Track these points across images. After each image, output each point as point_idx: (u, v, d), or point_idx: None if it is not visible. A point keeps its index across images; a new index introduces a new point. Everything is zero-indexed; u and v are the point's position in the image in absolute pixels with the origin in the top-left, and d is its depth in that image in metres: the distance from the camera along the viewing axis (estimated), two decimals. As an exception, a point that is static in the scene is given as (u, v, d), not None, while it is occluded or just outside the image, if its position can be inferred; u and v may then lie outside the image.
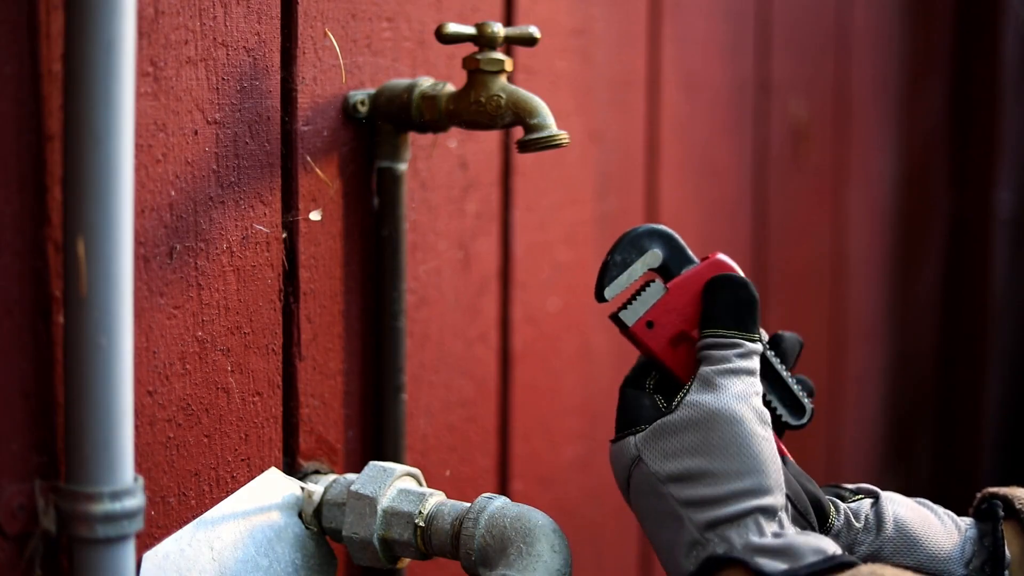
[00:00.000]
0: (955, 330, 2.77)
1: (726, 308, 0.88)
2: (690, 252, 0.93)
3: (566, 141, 0.95)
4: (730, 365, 0.86)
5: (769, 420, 0.85)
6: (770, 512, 0.81)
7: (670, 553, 0.82)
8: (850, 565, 0.77)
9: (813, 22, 2.14)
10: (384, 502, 0.90)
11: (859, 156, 2.33)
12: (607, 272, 0.91)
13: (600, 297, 0.91)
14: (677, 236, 0.92)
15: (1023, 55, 2.74)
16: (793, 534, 0.80)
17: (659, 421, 0.85)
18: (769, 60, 1.94)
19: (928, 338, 2.75)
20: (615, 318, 0.91)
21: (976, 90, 2.71)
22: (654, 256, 0.92)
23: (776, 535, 0.79)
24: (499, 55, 0.97)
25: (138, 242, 0.84)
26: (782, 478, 0.83)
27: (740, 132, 1.87)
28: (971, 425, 2.75)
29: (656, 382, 0.90)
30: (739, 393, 0.84)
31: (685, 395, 0.85)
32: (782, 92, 1.99)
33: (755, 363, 0.87)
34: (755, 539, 0.79)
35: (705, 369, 0.86)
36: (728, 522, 0.80)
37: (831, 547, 0.78)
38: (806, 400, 0.92)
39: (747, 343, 0.87)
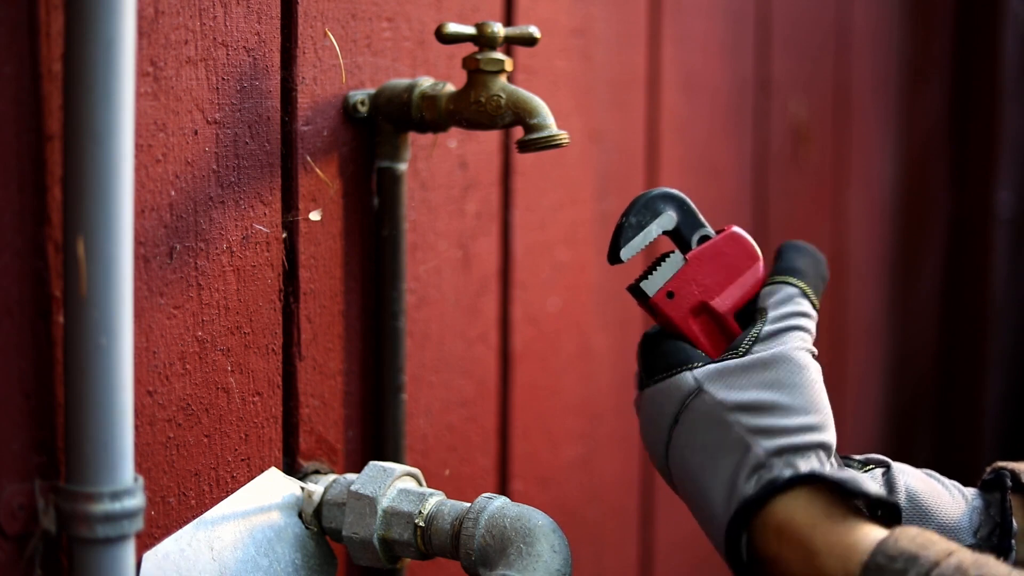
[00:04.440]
0: (955, 330, 2.78)
1: (809, 268, 0.91)
2: (702, 217, 0.93)
3: (566, 141, 0.95)
4: (799, 322, 0.88)
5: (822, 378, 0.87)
6: (829, 450, 0.83)
7: (726, 484, 0.82)
8: (899, 513, 0.80)
9: (813, 22, 2.14)
10: (384, 502, 0.90)
11: (859, 156, 2.33)
12: (622, 234, 0.91)
13: (615, 259, 0.91)
14: (689, 200, 0.93)
15: (1023, 55, 2.74)
16: (857, 468, 0.83)
17: (724, 362, 0.86)
18: (769, 60, 1.94)
19: (928, 338, 2.76)
20: (635, 289, 0.91)
21: (976, 90, 2.71)
22: (668, 219, 0.92)
23: (836, 468, 0.82)
24: (499, 55, 0.97)
25: (138, 242, 0.84)
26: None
27: (740, 132, 1.87)
28: (971, 425, 2.75)
29: None
30: (803, 346, 0.87)
31: (753, 343, 0.87)
32: (782, 92, 1.99)
33: (815, 328, 0.89)
34: (819, 468, 0.80)
35: (775, 319, 0.88)
36: (795, 451, 0.81)
37: (883, 490, 0.81)
38: None
39: (814, 309, 0.90)
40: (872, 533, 0.77)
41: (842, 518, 0.78)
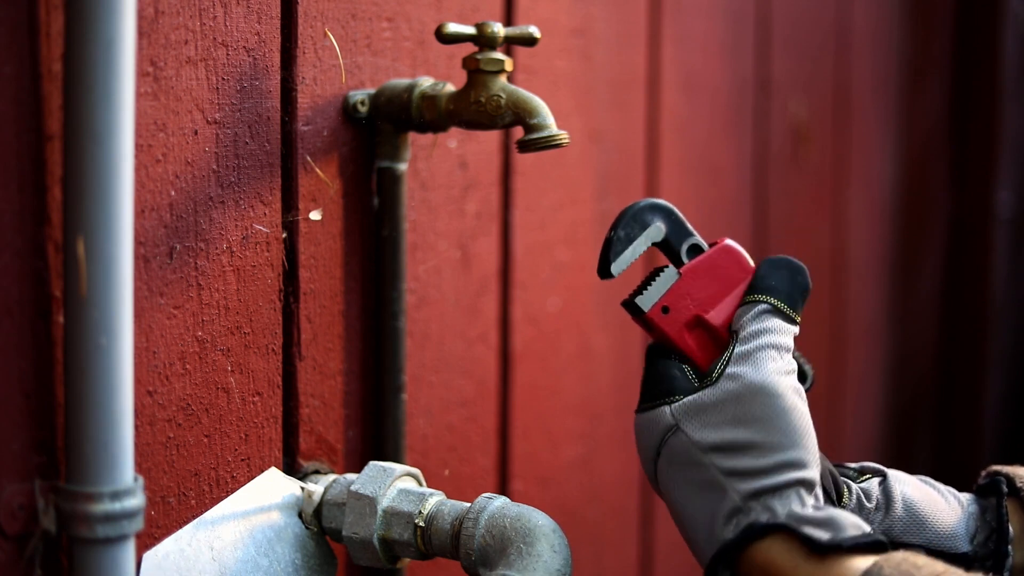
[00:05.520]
0: (955, 330, 2.78)
1: (783, 283, 0.90)
2: (690, 226, 0.93)
3: (566, 141, 0.95)
4: (770, 339, 0.86)
5: (804, 395, 0.85)
6: (809, 485, 0.82)
7: (706, 523, 0.82)
8: (883, 546, 0.78)
9: (813, 22, 2.14)
10: (384, 502, 0.90)
11: (859, 156, 2.33)
12: (612, 248, 0.90)
13: (605, 274, 0.91)
14: (677, 210, 0.93)
15: (1023, 55, 2.74)
16: (832, 508, 0.81)
17: (698, 394, 0.85)
18: (769, 60, 1.94)
19: (928, 337, 2.76)
20: (630, 304, 0.91)
21: (976, 90, 2.71)
22: (657, 230, 0.92)
23: (816, 507, 0.81)
24: (499, 55, 0.97)
25: (138, 242, 0.84)
26: (818, 452, 0.84)
27: (740, 132, 1.87)
28: (971, 425, 2.75)
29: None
30: (778, 368, 0.85)
31: (725, 367, 0.86)
32: (782, 92, 1.99)
33: (791, 342, 0.88)
34: (798, 509, 0.80)
35: (745, 338, 0.86)
36: (771, 492, 0.81)
37: (866, 525, 0.80)
38: (807, 366, 0.92)
39: (791, 324, 0.88)
40: (855, 565, 0.76)
41: (821, 557, 0.78)
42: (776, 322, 0.88)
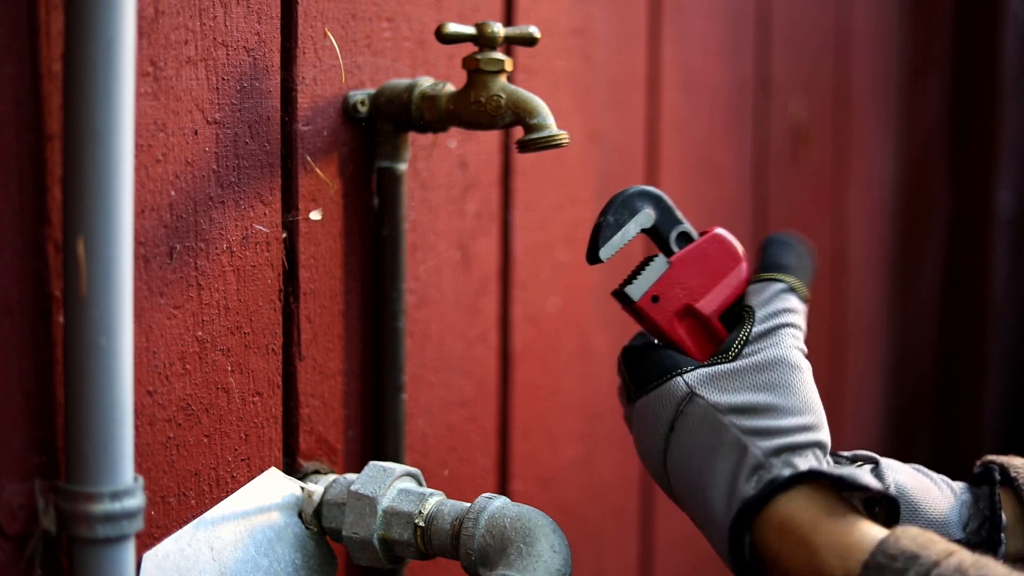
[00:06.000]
0: (955, 329, 2.78)
1: (794, 262, 0.91)
2: (679, 213, 0.93)
3: (566, 141, 0.95)
4: (789, 319, 0.88)
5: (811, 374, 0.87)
6: (824, 448, 0.83)
7: (726, 482, 0.82)
8: (898, 509, 0.81)
9: (813, 22, 2.14)
10: (384, 502, 0.90)
11: (859, 156, 2.33)
12: (600, 233, 0.91)
13: (594, 259, 0.91)
14: (667, 197, 0.93)
15: (1023, 55, 2.74)
16: (848, 465, 0.83)
17: (716, 366, 0.86)
18: (769, 60, 1.94)
19: (928, 337, 2.76)
20: (620, 294, 0.91)
21: (976, 90, 2.71)
22: (646, 216, 0.92)
23: (833, 466, 0.82)
24: (499, 55, 0.97)
25: (138, 242, 0.84)
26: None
27: (740, 132, 1.87)
28: (971, 425, 2.75)
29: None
30: (796, 345, 0.87)
31: (744, 344, 0.86)
32: (782, 92, 1.99)
33: (805, 322, 0.89)
34: (817, 465, 0.81)
35: (764, 317, 0.87)
36: (792, 450, 0.81)
37: (879, 484, 0.81)
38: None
39: (803, 303, 0.89)
40: (872, 531, 0.77)
41: (843, 516, 0.78)
42: (793, 302, 0.89)
